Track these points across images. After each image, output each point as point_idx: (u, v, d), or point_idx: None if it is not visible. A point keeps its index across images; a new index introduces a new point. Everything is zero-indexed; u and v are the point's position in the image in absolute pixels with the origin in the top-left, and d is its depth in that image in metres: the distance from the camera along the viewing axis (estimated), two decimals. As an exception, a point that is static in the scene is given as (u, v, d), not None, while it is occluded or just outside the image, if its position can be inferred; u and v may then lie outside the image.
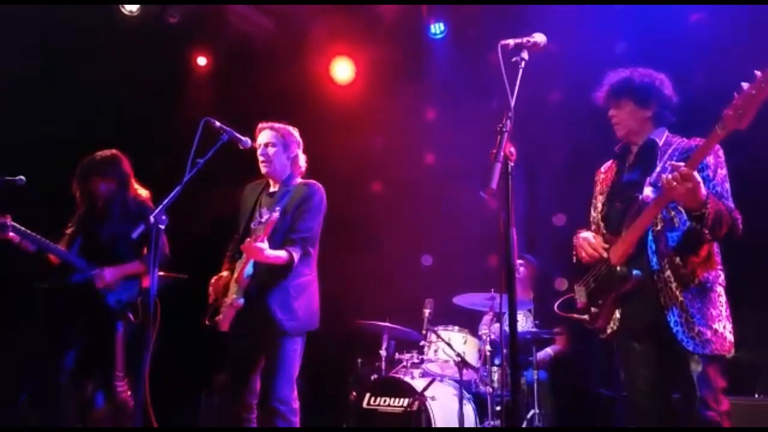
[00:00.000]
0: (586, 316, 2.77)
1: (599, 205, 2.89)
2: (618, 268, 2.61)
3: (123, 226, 3.80)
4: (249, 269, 3.30)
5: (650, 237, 2.59)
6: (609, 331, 2.71)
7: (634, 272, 2.58)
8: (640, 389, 2.65)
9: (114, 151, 4.02)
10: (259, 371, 3.39)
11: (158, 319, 3.56)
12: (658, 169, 2.64)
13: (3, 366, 5.25)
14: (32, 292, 4.20)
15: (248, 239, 3.17)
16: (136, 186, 4.03)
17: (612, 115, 2.82)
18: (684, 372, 2.51)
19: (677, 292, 2.53)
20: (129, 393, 3.76)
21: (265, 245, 3.15)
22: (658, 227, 2.59)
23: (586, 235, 2.80)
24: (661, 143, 2.73)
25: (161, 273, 3.87)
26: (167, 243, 3.95)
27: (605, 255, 2.67)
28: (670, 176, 2.37)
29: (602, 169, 2.99)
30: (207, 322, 3.52)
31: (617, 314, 2.68)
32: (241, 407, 3.35)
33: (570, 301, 2.88)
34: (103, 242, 3.87)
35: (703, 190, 2.38)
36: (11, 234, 3.65)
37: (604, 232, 2.78)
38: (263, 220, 3.11)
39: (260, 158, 3.51)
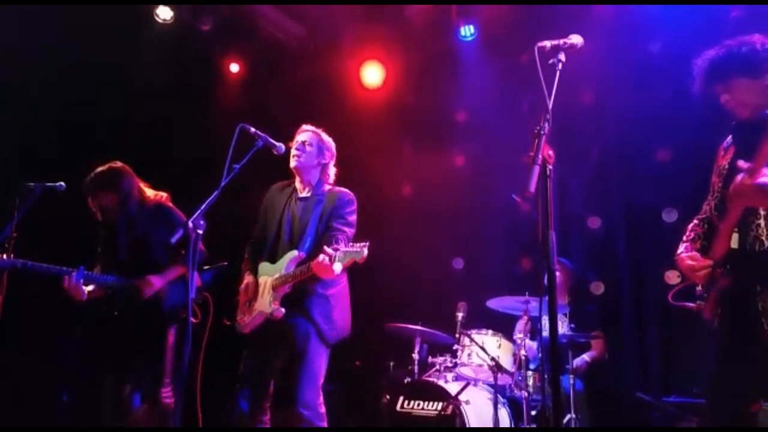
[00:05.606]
0: (693, 305, 2.54)
1: (715, 189, 2.56)
2: (714, 260, 2.40)
3: (144, 234, 3.73)
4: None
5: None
6: (714, 325, 2.48)
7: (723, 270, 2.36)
8: (723, 389, 2.41)
9: (112, 163, 3.80)
10: (277, 375, 3.41)
11: (211, 317, 3.57)
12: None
13: (47, 365, 5.37)
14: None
15: (323, 258, 3.06)
16: (147, 191, 3.86)
17: (726, 101, 2.41)
18: None
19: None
20: (173, 399, 3.72)
21: (338, 267, 3.05)
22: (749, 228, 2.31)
23: (683, 256, 2.54)
24: None
25: (206, 267, 3.87)
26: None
27: (704, 272, 2.45)
28: (738, 180, 2.15)
29: (724, 145, 2.57)
30: (227, 322, 3.55)
31: (719, 309, 2.45)
32: (258, 411, 3.38)
33: (685, 290, 2.64)
34: (121, 255, 3.73)
35: None
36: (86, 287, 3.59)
37: (719, 220, 2.47)
38: (350, 249, 3.03)
39: (294, 152, 3.55)
